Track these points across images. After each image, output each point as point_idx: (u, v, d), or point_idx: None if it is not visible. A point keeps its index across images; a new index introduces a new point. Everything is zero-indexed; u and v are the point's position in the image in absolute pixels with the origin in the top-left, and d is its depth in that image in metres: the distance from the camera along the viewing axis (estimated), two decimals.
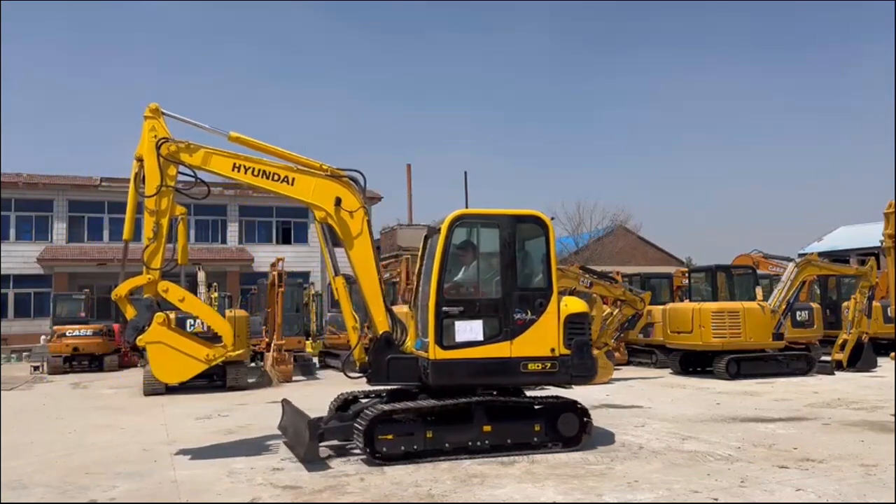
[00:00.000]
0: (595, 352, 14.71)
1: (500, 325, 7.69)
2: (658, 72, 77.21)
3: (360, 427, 7.31)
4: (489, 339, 7.65)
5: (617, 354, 17.61)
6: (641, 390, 13.65)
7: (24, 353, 25.65)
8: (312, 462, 7.30)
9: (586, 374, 8.01)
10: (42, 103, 71.32)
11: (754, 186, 76.38)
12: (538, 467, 7.06)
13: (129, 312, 7.79)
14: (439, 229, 7.81)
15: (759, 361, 15.48)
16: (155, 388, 14.09)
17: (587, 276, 15.10)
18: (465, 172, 32.82)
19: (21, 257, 30.67)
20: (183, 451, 8.18)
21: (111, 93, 73.61)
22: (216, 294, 21.79)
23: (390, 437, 7.26)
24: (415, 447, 7.35)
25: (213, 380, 15.14)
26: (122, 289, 7.72)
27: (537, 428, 7.81)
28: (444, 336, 7.56)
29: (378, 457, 7.19)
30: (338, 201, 7.97)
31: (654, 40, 79.91)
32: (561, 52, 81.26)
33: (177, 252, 8.11)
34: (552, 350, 7.75)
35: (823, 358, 16.84)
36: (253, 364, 18.32)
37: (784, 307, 15.83)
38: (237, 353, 8.21)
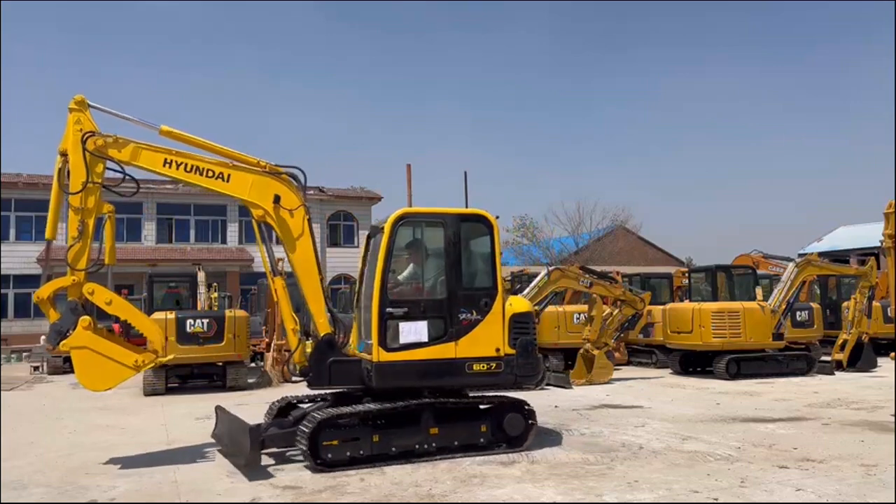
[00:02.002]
0: (595, 352, 14.92)
1: (446, 325, 7.54)
2: (658, 72, 77.30)
3: (304, 432, 7.01)
4: (434, 339, 7.48)
5: (617, 354, 17.61)
6: (641, 390, 13.65)
7: (25, 354, 25.61)
8: (253, 470, 7.02)
9: (531, 374, 7.96)
10: (42, 103, 71.38)
11: (754, 186, 76.43)
12: (538, 467, 7.06)
13: (52, 316, 7.36)
14: (382, 228, 7.65)
15: (759, 361, 15.48)
16: (155, 389, 14.10)
17: (587, 276, 15.09)
18: (465, 172, 32.63)
19: (21, 257, 30.64)
20: (183, 451, 8.18)
21: (111, 93, 73.64)
22: (216, 294, 21.76)
23: (335, 442, 7.05)
24: (361, 452, 7.15)
25: (213, 380, 15.15)
26: (44, 290, 7.34)
27: (483, 429, 7.75)
28: (387, 337, 7.36)
29: (321, 463, 6.98)
30: (276, 199, 7.70)
31: (654, 40, 79.99)
32: (561, 51, 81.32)
33: (104, 252, 7.91)
34: (497, 350, 7.66)
35: (823, 358, 16.84)
36: (253, 364, 18.32)
37: (784, 307, 15.82)
38: (167, 359, 7.88)
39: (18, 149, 65.54)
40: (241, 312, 16.08)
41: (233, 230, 34.52)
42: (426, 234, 7.95)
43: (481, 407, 7.96)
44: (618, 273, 18.92)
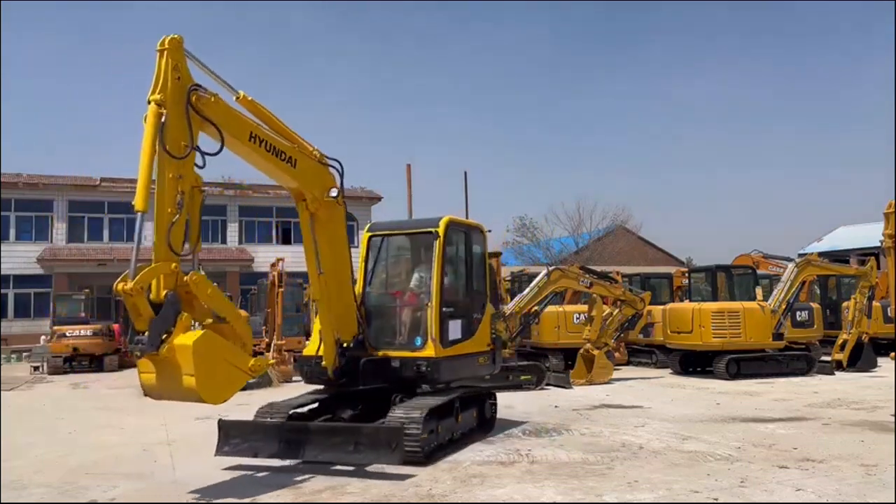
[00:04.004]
0: (595, 352, 14.92)
1: (468, 323, 8.51)
2: (658, 71, 77.24)
3: (417, 428, 7.11)
4: (463, 336, 8.39)
5: (617, 354, 17.61)
6: (641, 390, 13.66)
7: (24, 354, 25.63)
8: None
9: (499, 363, 9.40)
10: (42, 103, 71.38)
11: (755, 186, 76.40)
12: (538, 467, 7.07)
13: (146, 312, 5.69)
14: (435, 232, 8.13)
15: (759, 361, 15.48)
16: None
17: (587, 276, 15.10)
18: (465, 172, 32.71)
19: (21, 257, 30.64)
20: (183, 451, 8.18)
21: (112, 92, 73.66)
22: None
23: (426, 435, 7.27)
24: (435, 443, 7.57)
25: None
26: (143, 279, 5.65)
27: (475, 415, 8.63)
28: (443, 335, 7.92)
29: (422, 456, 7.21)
30: (337, 193, 7.52)
31: (655, 40, 79.94)
32: (561, 51, 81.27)
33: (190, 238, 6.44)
34: (488, 344, 8.90)
35: (823, 358, 16.84)
36: None
37: (784, 307, 15.83)
38: (270, 363, 7.31)
39: (18, 149, 65.53)
40: (241, 313, 16.05)
41: (233, 230, 34.50)
42: (458, 241, 8.69)
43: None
44: (618, 273, 18.92)
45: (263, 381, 15.83)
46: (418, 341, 7.97)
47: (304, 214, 7.54)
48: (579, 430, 9.11)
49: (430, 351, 7.77)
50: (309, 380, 8.23)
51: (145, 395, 6.01)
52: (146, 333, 5.69)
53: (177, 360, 5.69)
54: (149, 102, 5.91)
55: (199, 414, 11.24)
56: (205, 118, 6.18)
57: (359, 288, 8.53)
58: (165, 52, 6.00)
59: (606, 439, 8.50)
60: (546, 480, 6.52)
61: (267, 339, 18.09)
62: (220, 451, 7.32)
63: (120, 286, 5.63)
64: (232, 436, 7.40)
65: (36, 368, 20.93)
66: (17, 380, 18.49)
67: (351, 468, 7.06)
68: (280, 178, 7.26)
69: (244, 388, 15.32)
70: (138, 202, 5.71)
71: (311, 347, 8.10)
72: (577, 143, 78.84)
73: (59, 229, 31.83)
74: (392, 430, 7.01)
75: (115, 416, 11.32)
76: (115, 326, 22.88)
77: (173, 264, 5.92)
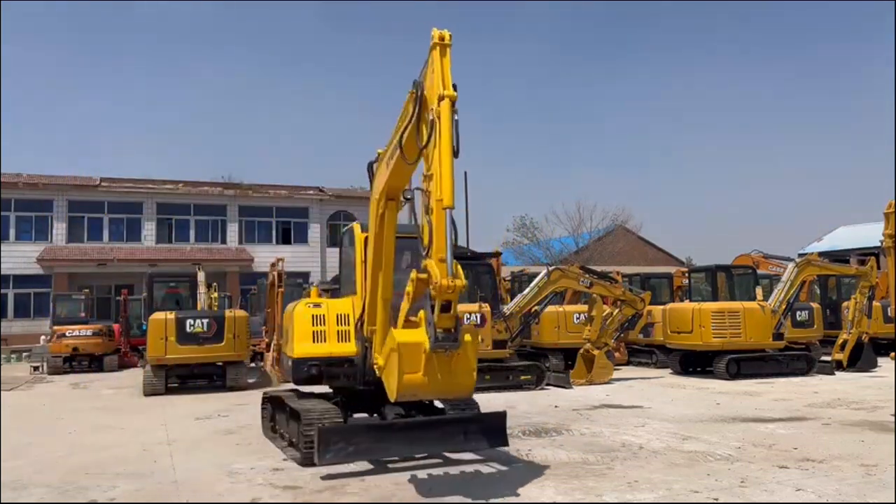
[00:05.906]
0: (595, 352, 14.92)
1: None
2: (658, 73, 77.24)
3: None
4: None
5: (617, 354, 17.61)
6: (641, 390, 13.65)
7: (24, 354, 25.63)
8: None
9: None
10: (43, 103, 71.34)
11: (754, 186, 76.41)
12: (538, 467, 7.06)
13: (455, 307, 5.66)
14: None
15: (759, 361, 15.49)
16: (155, 389, 14.10)
17: (587, 276, 15.10)
18: (465, 172, 32.67)
19: (21, 257, 30.64)
20: (183, 451, 8.17)
21: (112, 93, 73.62)
22: (216, 294, 21.79)
23: None
24: None
25: (213, 380, 15.15)
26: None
27: None
28: None
29: None
30: (412, 194, 7.16)
31: (654, 42, 79.92)
32: (561, 56, 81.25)
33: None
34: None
35: (823, 358, 16.84)
36: (253, 364, 18.32)
37: (784, 307, 15.83)
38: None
39: (18, 149, 65.50)
40: (240, 312, 16.08)
41: (233, 230, 34.51)
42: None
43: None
44: (618, 273, 18.92)
45: (263, 382, 15.85)
46: None
47: (392, 214, 7.09)
48: (579, 430, 9.10)
49: None
50: (330, 380, 7.93)
51: (399, 397, 5.82)
52: (449, 330, 5.48)
53: (465, 355, 5.66)
54: (442, 98, 5.67)
55: (199, 414, 11.25)
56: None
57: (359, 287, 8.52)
58: (448, 49, 5.79)
59: (606, 439, 8.50)
60: (546, 480, 6.52)
61: (267, 339, 18.09)
62: (322, 459, 6.71)
63: (446, 282, 5.38)
64: (334, 441, 6.87)
65: (36, 368, 20.92)
66: (17, 380, 18.49)
67: (350, 468, 7.06)
68: (403, 177, 6.83)
69: (242, 389, 15.46)
70: (448, 198, 5.53)
71: (320, 348, 7.86)
72: (577, 143, 78.88)
73: (59, 229, 31.82)
74: (499, 415, 7.30)
75: (115, 416, 11.31)
76: (116, 326, 22.88)
77: None
